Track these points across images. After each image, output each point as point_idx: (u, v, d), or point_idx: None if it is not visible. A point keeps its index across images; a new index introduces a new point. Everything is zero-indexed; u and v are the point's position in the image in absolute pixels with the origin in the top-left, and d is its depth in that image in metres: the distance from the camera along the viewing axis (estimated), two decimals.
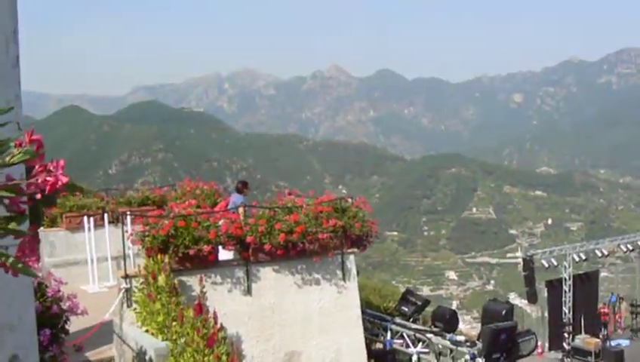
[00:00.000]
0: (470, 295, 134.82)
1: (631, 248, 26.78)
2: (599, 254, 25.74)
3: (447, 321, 16.03)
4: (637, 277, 30.78)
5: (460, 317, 18.07)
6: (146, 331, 8.64)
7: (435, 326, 15.96)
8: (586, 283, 25.56)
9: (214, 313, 8.09)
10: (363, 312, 13.43)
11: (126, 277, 10.24)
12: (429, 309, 18.50)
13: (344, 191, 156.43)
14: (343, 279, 12.08)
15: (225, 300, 10.84)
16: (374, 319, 16.18)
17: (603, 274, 29.92)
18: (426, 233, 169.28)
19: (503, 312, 16.73)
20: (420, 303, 17.22)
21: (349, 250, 12.17)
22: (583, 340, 23.62)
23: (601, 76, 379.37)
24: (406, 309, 16.93)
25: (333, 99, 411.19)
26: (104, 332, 9.14)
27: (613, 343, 24.63)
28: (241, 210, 12.06)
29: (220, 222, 11.10)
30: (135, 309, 9.52)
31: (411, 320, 16.53)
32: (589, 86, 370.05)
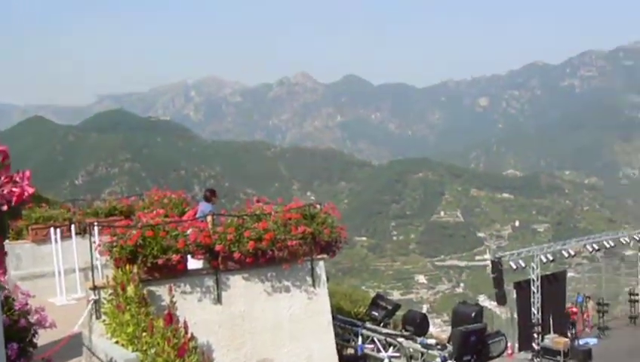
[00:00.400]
0: (440, 298, 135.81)
1: (597, 248, 27.13)
2: (566, 255, 26.03)
3: (417, 325, 16.07)
4: (603, 276, 31.31)
5: (430, 321, 18.12)
6: (116, 342, 8.58)
7: (406, 330, 15.99)
8: (554, 283, 25.86)
9: (184, 322, 8.06)
10: (333, 318, 13.43)
11: (94, 288, 10.13)
12: (400, 313, 18.52)
13: (312, 197, 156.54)
14: (313, 285, 12.09)
15: (195, 309, 10.79)
16: (345, 324, 16.18)
17: (570, 274, 30.28)
18: (395, 238, 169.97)
19: (473, 314, 16.86)
20: (390, 307, 17.25)
21: (319, 257, 12.17)
22: (552, 340, 23.86)
23: (564, 79, 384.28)
24: (376, 314, 16.96)
25: (299, 105, 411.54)
26: (73, 345, 9.03)
27: (581, 342, 24.95)
28: (209, 218, 12.00)
29: (189, 231, 11.05)
30: (104, 321, 9.43)
31: (382, 324, 16.56)
32: (553, 89, 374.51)
